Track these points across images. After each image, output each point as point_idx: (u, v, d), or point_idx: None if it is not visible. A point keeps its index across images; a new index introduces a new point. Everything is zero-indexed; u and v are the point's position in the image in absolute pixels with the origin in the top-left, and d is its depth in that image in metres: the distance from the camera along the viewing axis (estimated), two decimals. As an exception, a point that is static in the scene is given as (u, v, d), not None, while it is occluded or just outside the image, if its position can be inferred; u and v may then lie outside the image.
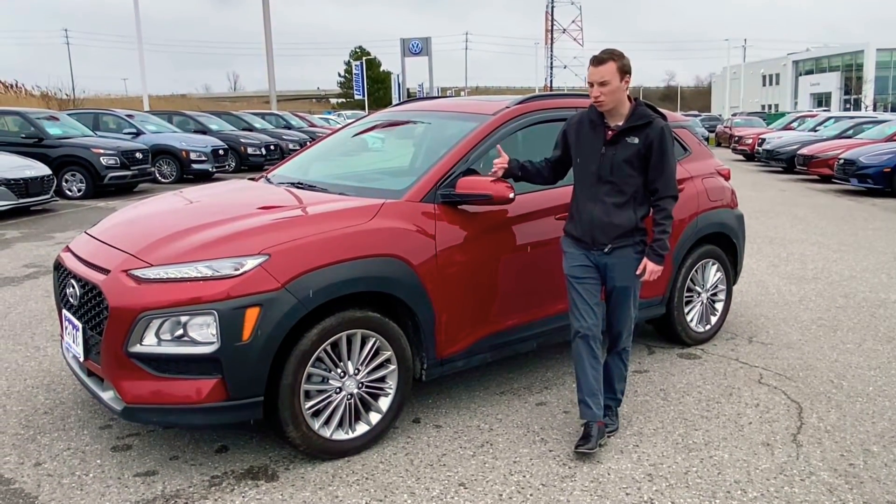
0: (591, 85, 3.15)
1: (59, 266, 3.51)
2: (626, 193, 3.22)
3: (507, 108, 3.90)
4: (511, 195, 3.35)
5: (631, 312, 3.38)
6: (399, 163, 4.59)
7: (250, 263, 2.90)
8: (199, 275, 2.88)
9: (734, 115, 38.60)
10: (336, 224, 3.18)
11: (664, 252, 3.23)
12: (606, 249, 3.25)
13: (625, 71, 3.13)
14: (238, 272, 2.87)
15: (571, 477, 3.05)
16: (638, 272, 3.25)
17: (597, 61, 3.12)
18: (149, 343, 2.85)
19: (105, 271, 3.05)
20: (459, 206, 3.47)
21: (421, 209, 3.39)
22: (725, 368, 4.34)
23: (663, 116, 3.34)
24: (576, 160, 3.34)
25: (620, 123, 3.21)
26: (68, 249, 3.55)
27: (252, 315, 2.83)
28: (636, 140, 3.18)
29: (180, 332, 2.84)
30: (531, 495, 2.90)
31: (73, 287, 3.23)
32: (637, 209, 3.24)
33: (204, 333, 2.83)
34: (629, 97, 3.23)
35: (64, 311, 3.38)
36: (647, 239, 3.28)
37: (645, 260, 3.24)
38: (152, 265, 2.96)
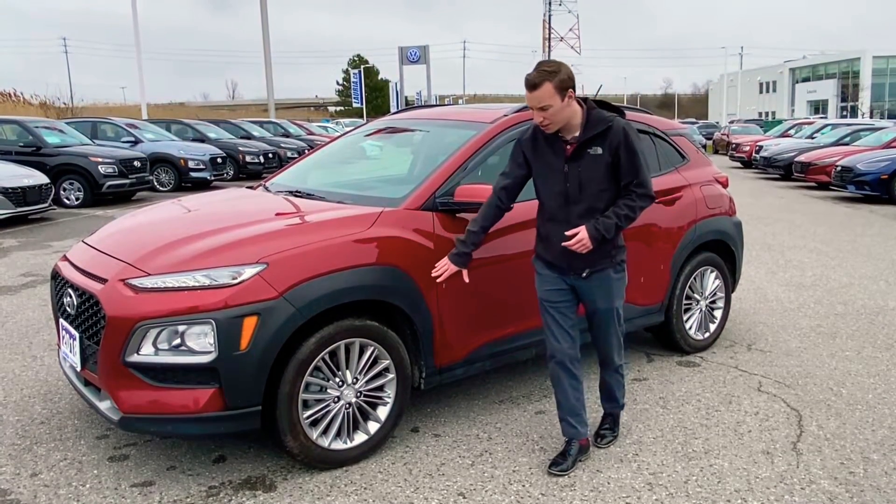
0: (533, 110, 2.93)
1: (56, 275, 3.50)
2: (600, 210, 2.98)
3: (506, 116, 3.90)
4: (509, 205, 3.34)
5: (617, 332, 3.25)
6: (397, 171, 4.59)
7: (248, 272, 2.89)
8: (197, 284, 2.87)
9: (731, 122, 38.75)
10: (334, 232, 3.18)
11: (604, 233, 2.93)
12: (584, 274, 3.07)
13: (564, 87, 2.86)
14: (236, 281, 2.86)
15: (571, 486, 3.03)
16: (567, 233, 2.95)
17: (530, 85, 2.86)
18: (146, 352, 2.84)
19: (102, 280, 3.04)
20: (458, 215, 3.46)
21: (419, 217, 3.38)
22: (725, 376, 4.33)
23: (621, 112, 3.09)
24: (537, 179, 3.12)
25: (577, 135, 2.97)
26: (66, 258, 3.54)
27: (250, 324, 2.82)
28: (599, 150, 2.94)
29: (178, 341, 2.83)
30: (530, 505, 2.89)
31: (71, 296, 3.22)
32: None
33: (201, 343, 2.82)
34: (580, 102, 2.99)
35: (61, 320, 3.37)
36: (625, 257, 3.12)
37: (583, 228, 2.93)
38: (149, 274, 2.95)
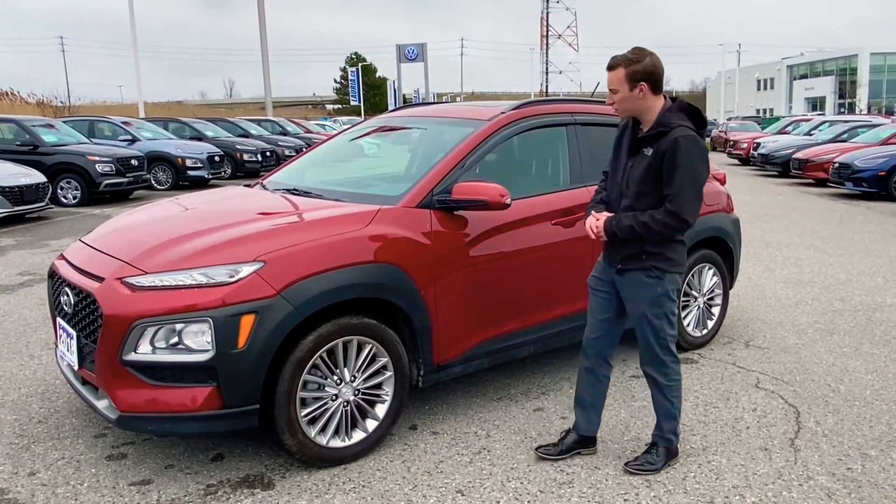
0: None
1: (53, 274, 3.50)
2: (639, 210, 2.91)
3: (503, 113, 3.90)
4: (507, 200, 3.34)
5: (651, 342, 3.03)
6: (395, 169, 4.59)
7: (245, 270, 2.89)
8: (194, 282, 2.87)
9: (729, 119, 38.74)
10: (331, 230, 3.17)
11: (616, 230, 2.90)
12: (618, 269, 3.03)
13: (635, 78, 2.81)
14: (233, 279, 2.86)
15: (569, 483, 3.03)
16: (594, 214, 2.97)
17: (608, 66, 2.86)
18: (143, 351, 2.83)
19: (99, 279, 3.03)
20: (456, 212, 3.46)
21: (417, 215, 3.38)
22: (722, 373, 4.33)
23: (701, 122, 2.90)
24: (609, 167, 3.14)
25: (645, 131, 2.94)
26: (63, 257, 3.54)
27: (247, 322, 2.82)
28: (650, 152, 2.86)
29: (175, 339, 2.83)
30: (529, 502, 2.89)
31: (68, 295, 3.21)
32: None
33: (199, 341, 2.81)
34: (666, 97, 2.91)
35: (58, 319, 3.36)
36: (663, 262, 2.95)
37: (602, 215, 2.95)
38: (147, 273, 2.95)
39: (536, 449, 3.27)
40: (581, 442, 3.26)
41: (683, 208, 2.81)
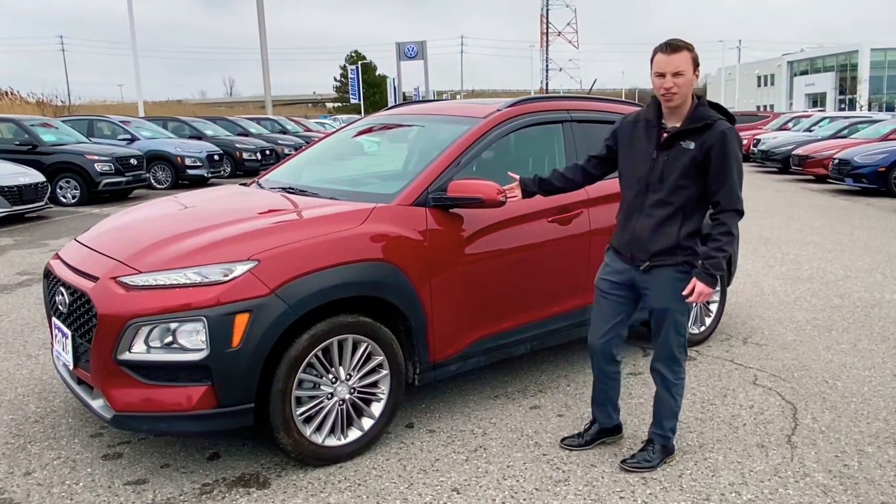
0: (662, 76, 2.80)
1: (48, 273, 3.49)
2: (674, 205, 2.88)
3: (499, 111, 3.89)
4: (502, 198, 3.33)
5: (671, 339, 3.02)
6: (390, 166, 4.58)
7: (239, 269, 2.88)
8: (188, 281, 2.86)
9: (729, 115, 38.58)
10: (326, 229, 3.17)
11: (717, 272, 2.83)
12: (643, 268, 2.97)
13: (697, 64, 2.83)
14: (227, 278, 2.85)
15: (565, 481, 3.03)
16: (685, 293, 2.88)
17: (670, 49, 2.78)
18: (138, 350, 2.83)
19: (94, 278, 3.03)
20: (451, 210, 3.45)
21: (412, 213, 3.37)
22: (720, 370, 4.33)
23: (731, 118, 2.92)
24: (623, 165, 3.08)
25: (678, 125, 2.89)
26: (58, 257, 3.53)
27: (242, 321, 2.81)
28: (692, 145, 2.82)
29: (169, 339, 2.82)
30: (524, 500, 2.88)
31: (63, 294, 3.21)
32: (684, 224, 2.90)
33: (193, 340, 2.81)
34: (693, 95, 2.91)
35: (53, 318, 3.36)
36: (694, 257, 2.93)
37: (694, 280, 2.86)
38: (141, 272, 2.94)
39: (562, 441, 3.34)
40: (604, 432, 3.33)
41: (740, 200, 2.86)
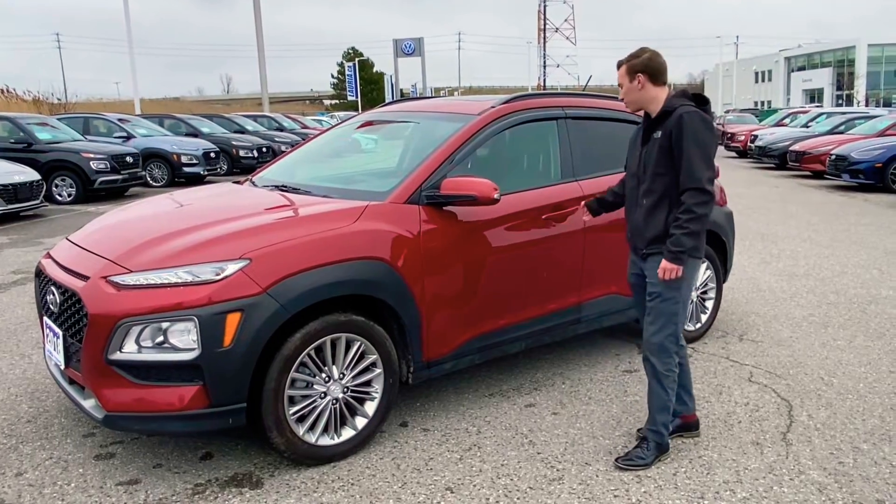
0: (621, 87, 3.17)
1: (39, 273, 3.47)
2: (657, 192, 3.04)
3: (493, 107, 3.87)
4: (496, 196, 3.31)
5: (661, 326, 3.07)
6: (384, 164, 4.56)
7: (231, 268, 2.86)
8: (180, 280, 2.84)
9: (727, 111, 38.67)
10: (319, 227, 3.15)
11: (677, 249, 2.93)
12: (642, 255, 3.17)
13: (633, 70, 3.05)
14: (219, 277, 2.84)
15: (559, 480, 3.02)
16: (658, 272, 3.00)
17: (617, 65, 3.15)
18: (129, 350, 2.81)
19: (84, 278, 3.01)
20: (445, 207, 3.44)
21: (405, 211, 3.35)
22: (716, 367, 4.32)
23: (703, 101, 3.05)
24: (626, 164, 3.34)
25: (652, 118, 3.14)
26: (49, 256, 3.51)
27: (233, 320, 2.80)
28: (659, 133, 3.04)
29: (161, 338, 2.80)
30: (518, 499, 2.87)
31: (54, 294, 3.19)
32: (671, 212, 3.02)
33: (185, 340, 2.79)
34: (671, 89, 3.11)
35: (45, 318, 3.34)
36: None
37: (662, 259, 3.00)
38: (132, 271, 2.92)
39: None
40: (682, 427, 3.34)
41: (700, 178, 2.90)
